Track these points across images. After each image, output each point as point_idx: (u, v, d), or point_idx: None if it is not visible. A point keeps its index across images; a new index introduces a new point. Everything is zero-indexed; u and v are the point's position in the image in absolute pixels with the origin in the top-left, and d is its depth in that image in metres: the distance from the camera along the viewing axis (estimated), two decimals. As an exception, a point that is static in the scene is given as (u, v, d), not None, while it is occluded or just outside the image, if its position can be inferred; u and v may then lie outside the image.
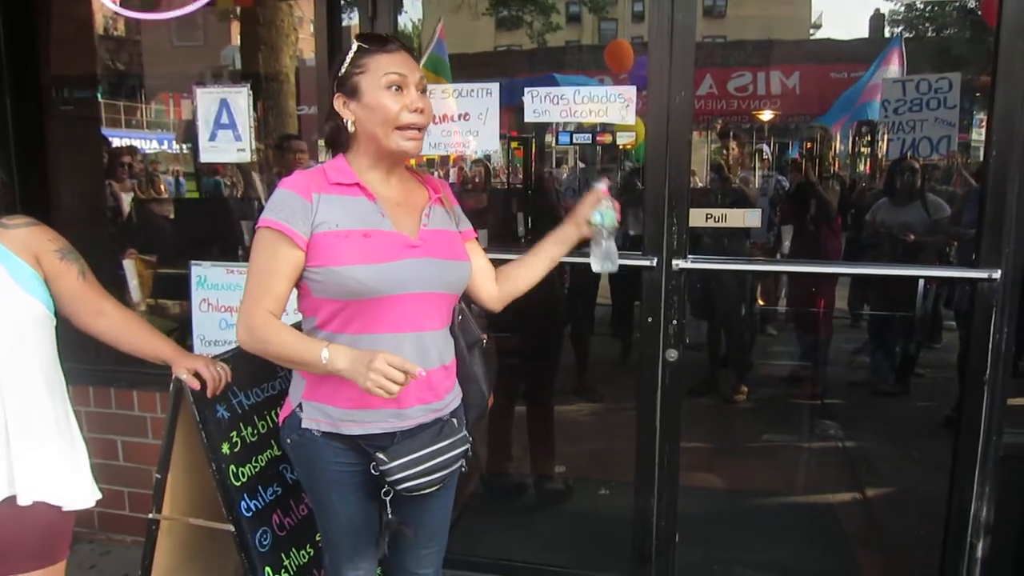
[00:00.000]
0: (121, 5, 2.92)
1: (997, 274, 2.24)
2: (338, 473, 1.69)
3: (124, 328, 1.88)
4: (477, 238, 1.90)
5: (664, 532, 2.61)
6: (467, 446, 1.70)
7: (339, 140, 1.71)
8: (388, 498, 1.67)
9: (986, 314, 2.28)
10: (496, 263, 1.93)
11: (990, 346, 2.29)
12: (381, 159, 1.67)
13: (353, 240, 1.58)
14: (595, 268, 1.87)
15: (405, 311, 1.61)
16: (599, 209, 1.83)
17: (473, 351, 1.89)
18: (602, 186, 1.83)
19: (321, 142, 1.97)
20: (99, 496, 1.82)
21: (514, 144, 7.53)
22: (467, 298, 1.87)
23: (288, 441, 1.73)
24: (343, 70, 1.63)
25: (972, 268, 2.30)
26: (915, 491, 3.47)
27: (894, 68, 5.57)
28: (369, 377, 1.45)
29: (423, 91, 1.65)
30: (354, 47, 1.64)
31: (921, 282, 4.38)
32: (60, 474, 1.71)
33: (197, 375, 1.95)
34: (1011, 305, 2.27)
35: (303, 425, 1.67)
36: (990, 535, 2.40)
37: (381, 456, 1.59)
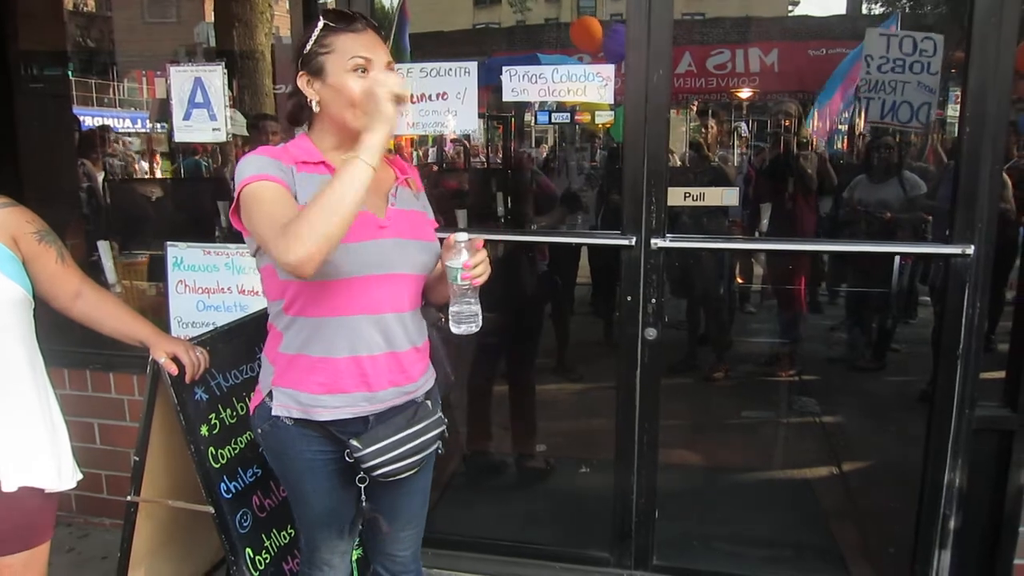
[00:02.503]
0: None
1: (971, 249, 2.27)
2: (311, 461, 1.66)
3: (103, 310, 1.87)
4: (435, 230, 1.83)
5: (644, 509, 2.63)
6: (442, 428, 1.70)
7: (301, 117, 1.67)
8: (363, 485, 1.66)
9: (959, 289, 2.31)
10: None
11: (963, 321, 2.32)
12: (345, 140, 1.61)
13: None
14: (452, 328, 1.64)
15: (374, 292, 1.59)
16: (450, 262, 1.57)
17: (436, 330, 1.89)
18: (459, 237, 1.58)
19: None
20: (80, 476, 1.81)
21: (496, 122, 7.49)
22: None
23: (259, 430, 1.70)
24: (308, 48, 1.58)
25: (946, 244, 2.32)
26: (891, 465, 3.52)
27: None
28: (375, 92, 1.43)
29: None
30: (320, 24, 1.58)
31: (897, 258, 4.42)
32: (43, 457, 1.71)
33: (176, 359, 1.94)
34: (984, 280, 2.30)
35: (273, 413, 1.64)
36: (963, 507, 2.44)
37: (355, 443, 1.58)
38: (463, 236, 1.55)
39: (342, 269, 1.54)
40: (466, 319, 1.61)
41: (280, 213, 1.44)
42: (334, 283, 1.55)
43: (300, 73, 1.60)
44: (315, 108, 1.61)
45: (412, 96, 2.52)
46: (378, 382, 1.62)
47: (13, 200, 1.74)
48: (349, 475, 1.67)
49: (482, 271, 1.58)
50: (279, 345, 1.65)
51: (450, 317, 1.62)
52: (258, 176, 1.50)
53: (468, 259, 1.55)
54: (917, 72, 3.04)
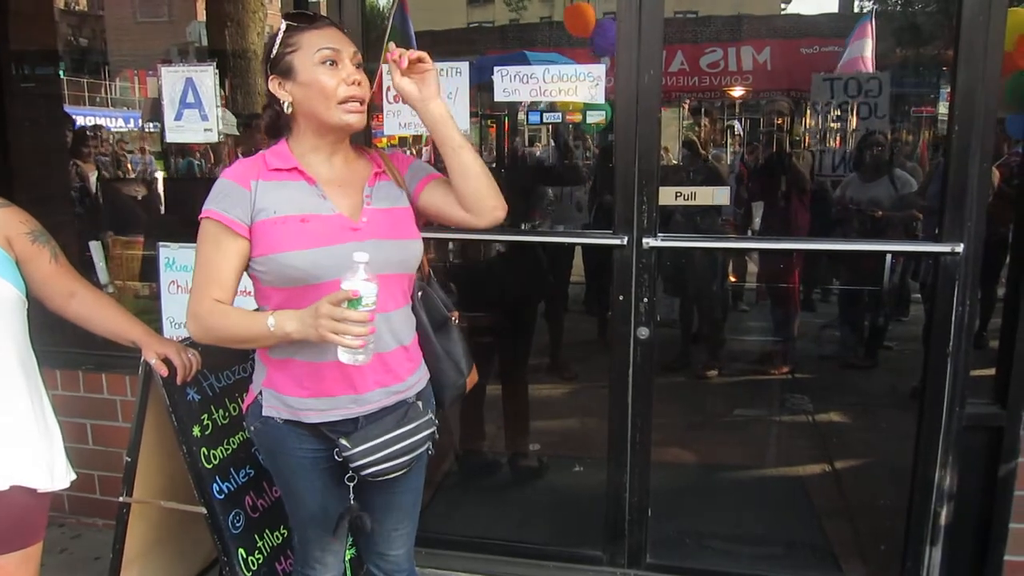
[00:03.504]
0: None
1: (960, 248, 2.28)
2: (303, 459, 1.68)
3: (96, 310, 1.87)
4: (440, 177, 1.74)
5: (637, 507, 2.64)
6: (433, 429, 1.69)
7: (278, 126, 1.67)
8: (352, 484, 1.67)
9: (949, 287, 2.32)
10: (468, 243, 1.89)
11: (953, 319, 2.33)
12: (324, 137, 1.63)
13: (290, 226, 1.56)
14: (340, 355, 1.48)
15: None
16: (345, 283, 1.43)
17: (446, 330, 1.88)
18: (358, 257, 1.44)
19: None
20: (73, 477, 1.81)
21: (488, 122, 7.49)
22: (459, 228, 1.75)
23: (252, 428, 1.72)
24: (275, 51, 1.59)
25: (936, 242, 2.34)
26: (882, 462, 3.54)
27: (867, 42, 5.52)
28: (320, 325, 1.41)
29: (358, 66, 1.61)
30: (283, 26, 1.59)
31: (888, 256, 4.44)
32: (35, 456, 1.70)
33: (167, 361, 1.94)
34: (974, 279, 2.31)
35: (264, 413, 1.66)
36: (953, 503, 2.45)
37: (344, 442, 1.58)
38: (363, 256, 1.43)
39: (317, 275, 1.55)
40: (357, 350, 1.46)
41: (208, 273, 1.58)
42: (312, 288, 1.55)
43: (271, 77, 1.61)
44: (287, 109, 1.61)
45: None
46: (364, 384, 1.62)
47: (7, 201, 1.74)
48: (341, 474, 1.67)
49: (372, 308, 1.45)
50: (268, 348, 1.65)
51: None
52: (211, 212, 1.57)
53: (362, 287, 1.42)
54: (865, 117, 3.01)
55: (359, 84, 1.59)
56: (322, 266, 1.55)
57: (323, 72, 1.56)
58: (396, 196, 1.72)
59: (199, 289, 1.58)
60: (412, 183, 1.76)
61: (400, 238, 1.67)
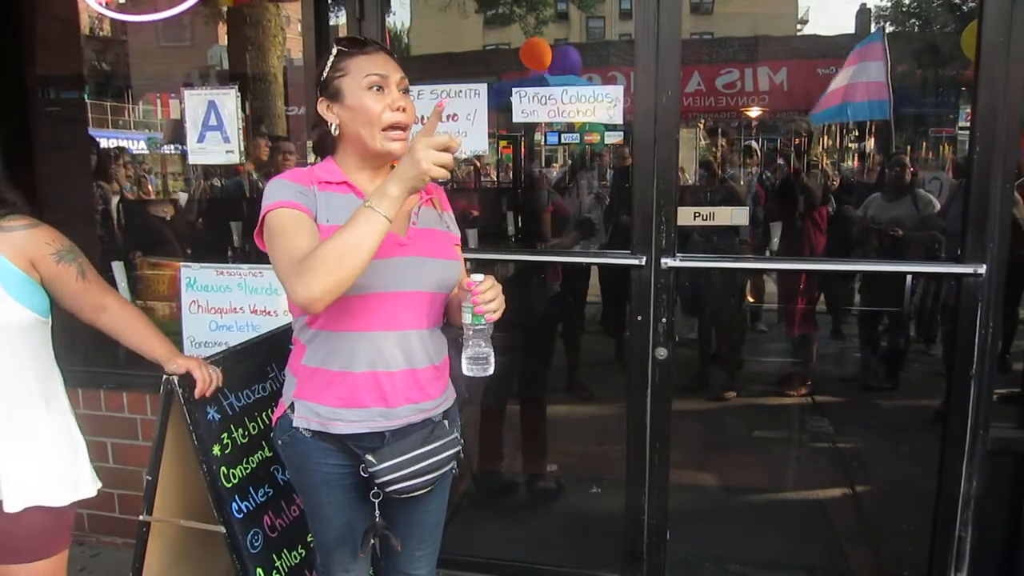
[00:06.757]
0: (106, 6, 2.91)
1: (982, 269, 2.26)
2: (328, 475, 1.68)
3: (125, 325, 1.90)
4: (458, 245, 1.84)
5: (655, 529, 2.62)
6: (458, 448, 1.70)
7: (326, 145, 1.71)
8: (377, 500, 1.68)
9: (972, 309, 2.30)
10: (486, 263, 1.91)
11: (976, 341, 2.31)
12: (367, 160, 1.66)
13: None
14: (464, 370, 1.63)
15: (393, 309, 1.61)
16: (465, 302, 1.59)
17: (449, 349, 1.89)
18: (476, 277, 1.58)
19: (310, 144, 1.92)
20: (99, 485, 1.84)
21: (502, 143, 7.51)
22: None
23: (280, 442, 1.73)
24: (324, 74, 1.64)
25: (958, 263, 2.32)
26: (905, 486, 3.49)
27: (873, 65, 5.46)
28: (419, 160, 1.39)
29: (405, 91, 1.64)
30: (334, 51, 1.64)
31: (909, 277, 4.40)
32: (54, 475, 1.72)
33: (188, 376, 1.95)
34: (996, 300, 2.29)
35: (293, 424, 1.67)
36: (978, 528, 2.42)
37: (370, 458, 1.60)
38: (479, 277, 1.56)
39: (362, 285, 1.55)
40: (479, 361, 1.60)
41: (296, 246, 1.49)
42: (355, 299, 1.56)
43: (319, 99, 1.65)
44: (335, 131, 1.64)
45: (422, 118, 2.54)
46: (395, 398, 1.64)
47: (35, 220, 1.75)
48: (365, 490, 1.68)
49: (497, 305, 1.59)
50: (302, 358, 1.67)
51: (463, 360, 1.61)
52: (279, 203, 1.56)
53: (478, 290, 1.55)
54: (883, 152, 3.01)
55: (403, 110, 1.61)
56: (370, 277, 1.54)
57: (369, 97, 1.59)
58: (439, 221, 1.77)
59: (295, 267, 1.46)
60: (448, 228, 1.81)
61: (442, 258, 1.71)
